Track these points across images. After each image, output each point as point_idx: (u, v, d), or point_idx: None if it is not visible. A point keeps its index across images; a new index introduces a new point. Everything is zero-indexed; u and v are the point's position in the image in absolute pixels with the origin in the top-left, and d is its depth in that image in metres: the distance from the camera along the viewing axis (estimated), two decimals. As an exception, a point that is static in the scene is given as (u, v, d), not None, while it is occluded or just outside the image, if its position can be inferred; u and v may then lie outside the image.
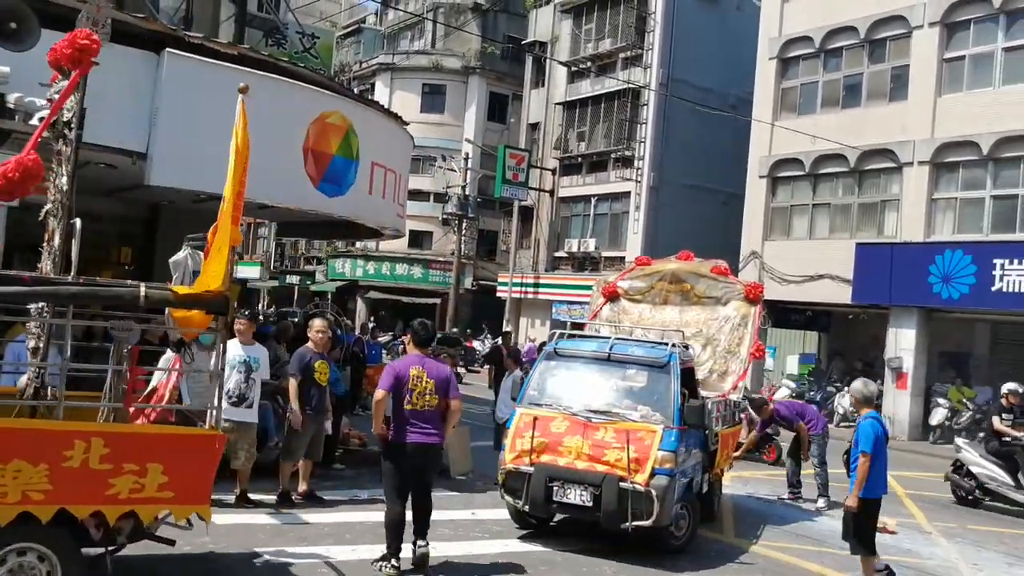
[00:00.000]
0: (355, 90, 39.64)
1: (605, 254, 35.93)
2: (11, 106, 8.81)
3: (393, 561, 8.10)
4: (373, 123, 13.11)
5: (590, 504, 9.41)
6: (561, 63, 38.21)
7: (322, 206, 12.08)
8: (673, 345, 10.55)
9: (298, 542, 8.94)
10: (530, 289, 39.04)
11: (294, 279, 54.32)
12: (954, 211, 24.43)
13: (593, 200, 37.24)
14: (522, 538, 10.15)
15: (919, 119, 24.77)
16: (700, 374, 11.87)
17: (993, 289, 22.31)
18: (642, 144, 34.75)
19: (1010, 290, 21.99)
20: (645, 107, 34.83)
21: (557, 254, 38.60)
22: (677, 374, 10.16)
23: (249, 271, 55.53)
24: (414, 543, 8.22)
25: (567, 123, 38.32)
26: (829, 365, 30.04)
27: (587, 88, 37.55)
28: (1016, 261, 21.98)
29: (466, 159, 41.71)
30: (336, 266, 48.27)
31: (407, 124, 15.23)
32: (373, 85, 46.41)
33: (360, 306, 45.88)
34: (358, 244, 44.35)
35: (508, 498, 10.03)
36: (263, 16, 16.56)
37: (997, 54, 23.65)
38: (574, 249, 37.23)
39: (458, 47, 45.85)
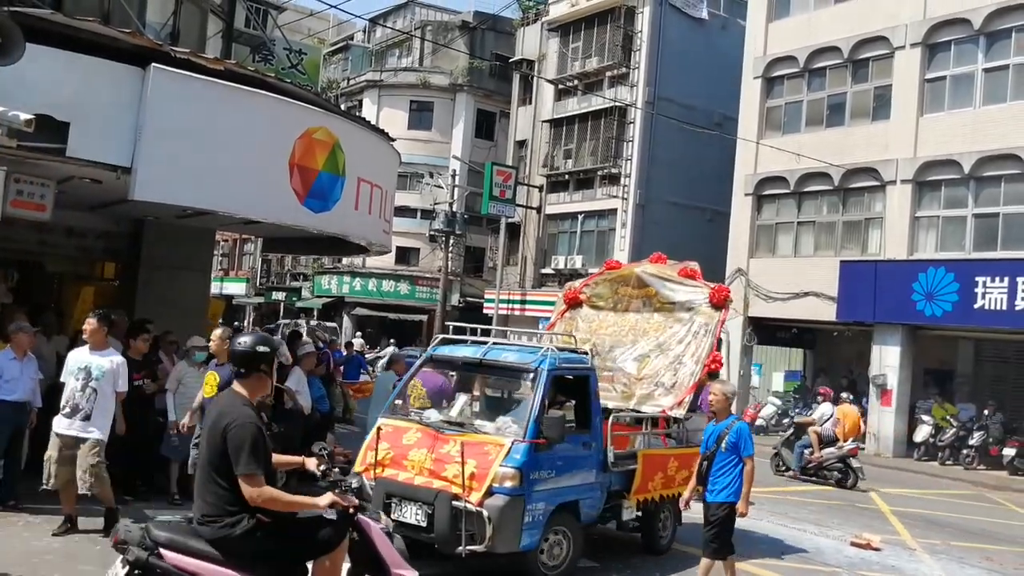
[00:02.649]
0: (343, 107, 39.71)
1: (592, 271, 35.85)
2: (-7, 119, 8.77)
3: None
4: (359, 139, 13.10)
5: (424, 524, 8.48)
6: (548, 81, 38.37)
7: (308, 222, 12.04)
8: (549, 349, 9.45)
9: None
10: (517, 306, 39.06)
11: (280, 295, 54.23)
12: (937, 229, 24.59)
13: (580, 217, 37.32)
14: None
15: (902, 138, 24.97)
16: (643, 388, 11.19)
17: (975, 307, 22.44)
18: (628, 162, 34.88)
19: (992, 308, 22.12)
20: (631, 125, 34.97)
21: (544, 271, 38.63)
22: (543, 382, 8.97)
23: (235, 287, 55.53)
24: None
25: (554, 140, 38.43)
26: (814, 382, 30.06)
27: (574, 106, 37.68)
28: (998, 279, 22.12)
29: (453, 176, 41.78)
30: (322, 282, 48.21)
31: (394, 140, 15.23)
32: (361, 102, 46.48)
33: (347, 323, 45.79)
34: (344, 260, 44.32)
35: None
36: (250, 32, 16.57)
37: (977, 74, 23.89)
38: (561, 266, 37.26)
39: (446, 64, 46.00)
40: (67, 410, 9.10)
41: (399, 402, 9.84)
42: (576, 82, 37.69)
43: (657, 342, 11.59)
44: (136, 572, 4.94)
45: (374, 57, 50.79)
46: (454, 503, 8.27)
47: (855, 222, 26.62)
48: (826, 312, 26.08)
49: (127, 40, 9.96)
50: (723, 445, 8.52)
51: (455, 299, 43.27)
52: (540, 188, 38.98)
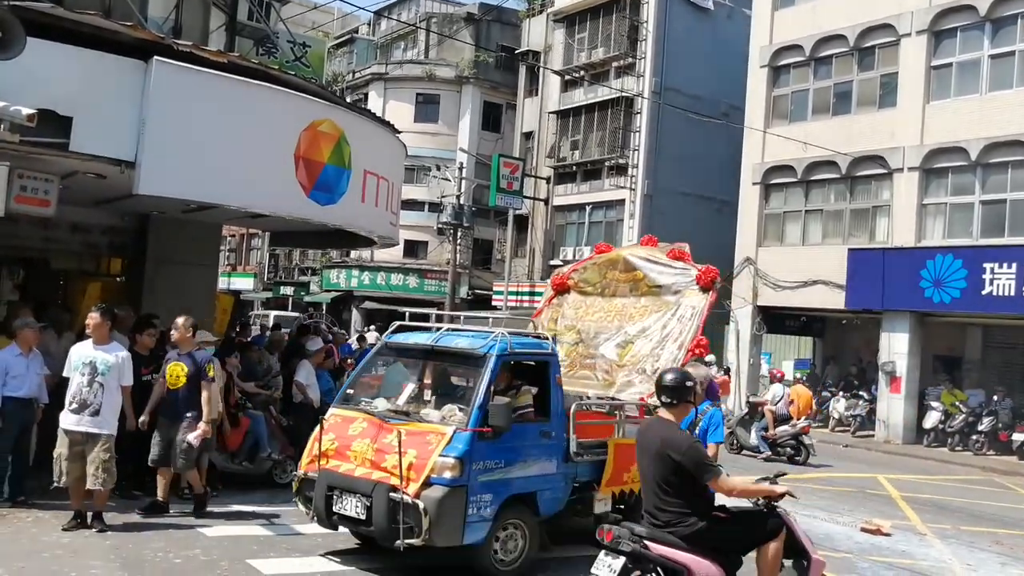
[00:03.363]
0: (348, 100, 39.69)
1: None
2: (-6, 115, 8.76)
3: None
4: (365, 131, 13.07)
5: (364, 517, 8.19)
6: (554, 72, 38.29)
7: (314, 215, 12.02)
8: (501, 334, 9.00)
9: (288, 553, 8.92)
10: (526, 298, 38.98)
11: (288, 290, 54.24)
12: (944, 216, 24.50)
13: (588, 208, 37.25)
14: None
15: (908, 126, 24.89)
16: (624, 375, 10.65)
17: (984, 293, 22.37)
18: (636, 152, 34.79)
19: (1000, 294, 22.05)
20: (638, 115, 34.87)
21: (552, 262, 38.51)
22: (490, 367, 8.57)
23: (243, 282, 55.62)
24: None
25: (561, 132, 38.37)
26: (824, 370, 30.09)
27: (580, 97, 37.62)
28: (1005, 265, 22.06)
29: (460, 168, 41.69)
30: (331, 276, 48.19)
31: (399, 132, 15.21)
32: (366, 95, 46.38)
33: (355, 316, 45.79)
34: (352, 254, 44.29)
35: (302, 507, 8.97)
36: (254, 25, 16.51)
37: (983, 61, 23.78)
38: (569, 257, 37.13)
39: (451, 57, 45.88)
40: (75, 406, 9.09)
41: (351, 391, 9.50)
42: (582, 73, 37.61)
43: (642, 327, 11.03)
44: (630, 564, 5.97)
45: (379, 50, 50.69)
46: (391, 495, 7.96)
47: (863, 210, 26.54)
48: (835, 300, 26.03)
49: (129, 34, 9.94)
50: (696, 431, 8.40)
51: (464, 292, 43.24)
52: (547, 179, 38.92)
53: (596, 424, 10.32)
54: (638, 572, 6.06)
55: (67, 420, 9.10)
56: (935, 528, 13.05)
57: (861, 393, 26.41)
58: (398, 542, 7.87)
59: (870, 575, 10.10)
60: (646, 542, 6.03)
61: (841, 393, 27.01)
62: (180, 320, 10.21)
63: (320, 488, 8.50)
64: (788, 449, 19.19)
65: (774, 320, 29.01)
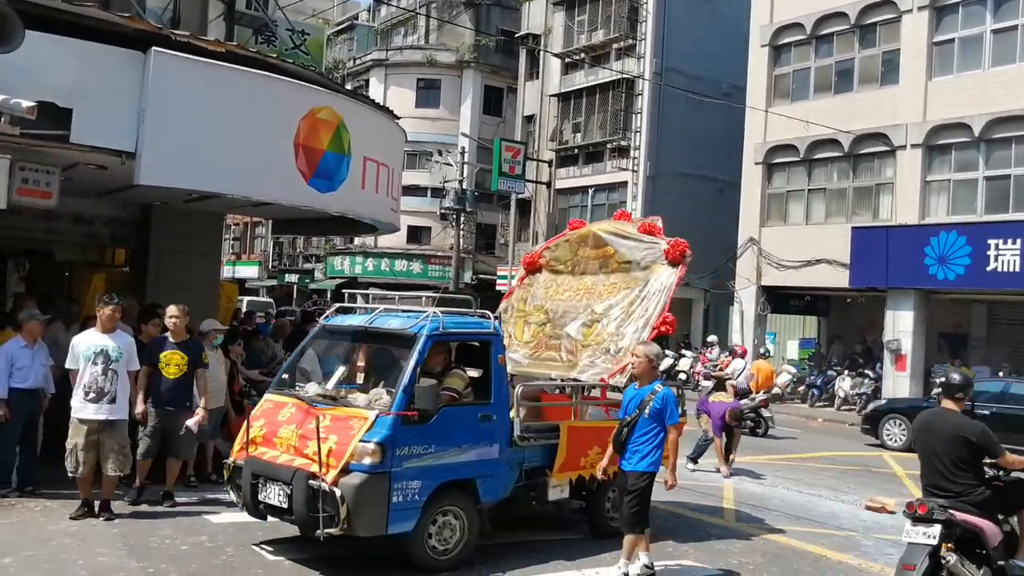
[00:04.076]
0: (349, 87, 39.61)
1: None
2: (-5, 108, 8.79)
3: None
4: (364, 118, 13.08)
5: (285, 505, 7.88)
6: (555, 55, 38.22)
7: (314, 202, 12.04)
8: (433, 313, 8.58)
9: (293, 538, 8.94)
10: (529, 281, 38.98)
11: (293, 278, 54.34)
12: (948, 193, 24.45)
13: (590, 191, 37.24)
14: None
15: (911, 102, 24.80)
16: (588, 355, 10.20)
17: (988, 269, 22.37)
18: (637, 134, 34.76)
19: (1005, 270, 22.05)
20: (639, 97, 34.83)
21: (555, 246, 38.56)
22: (418, 348, 8.15)
23: (247, 270, 55.72)
24: None
25: (562, 115, 38.33)
26: (829, 349, 30.14)
27: (581, 79, 37.55)
28: (1010, 241, 22.04)
29: (462, 153, 41.69)
30: (335, 263, 48.26)
31: (399, 118, 15.22)
32: (367, 81, 46.35)
33: (360, 303, 45.81)
34: (356, 241, 44.34)
35: (233, 496, 8.70)
36: (252, 14, 16.49)
37: (986, 36, 23.68)
38: (572, 240, 37.17)
39: (451, 41, 45.80)
40: (92, 395, 9.13)
41: (286, 376, 9.17)
42: (583, 55, 37.54)
43: (609, 304, 10.55)
44: (944, 530, 6.93)
45: (379, 36, 50.62)
46: (311, 482, 7.63)
47: (866, 188, 26.50)
48: (839, 279, 26.02)
49: (127, 25, 9.95)
50: (646, 412, 8.07)
51: (467, 277, 43.27)
52: (549, 163, 38.90)
53: (556, 407, 10.03)
54: (946, 536, 6.97)
55: (84, 410, 9.13)
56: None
57: (866, 371, 26.43)
58: (318, 532, 7.58)
59: (875, 552, 10.14)
60: (950, 511, 6.98)
61: (846, 372, 27.04)
62: (175, 308, 10.16)
63: (246, 476, 8.25)
64: (748, 422, 19.29)
65: (778, 300, 29.03)
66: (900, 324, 24.74)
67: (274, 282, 55.46)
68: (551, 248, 12.04)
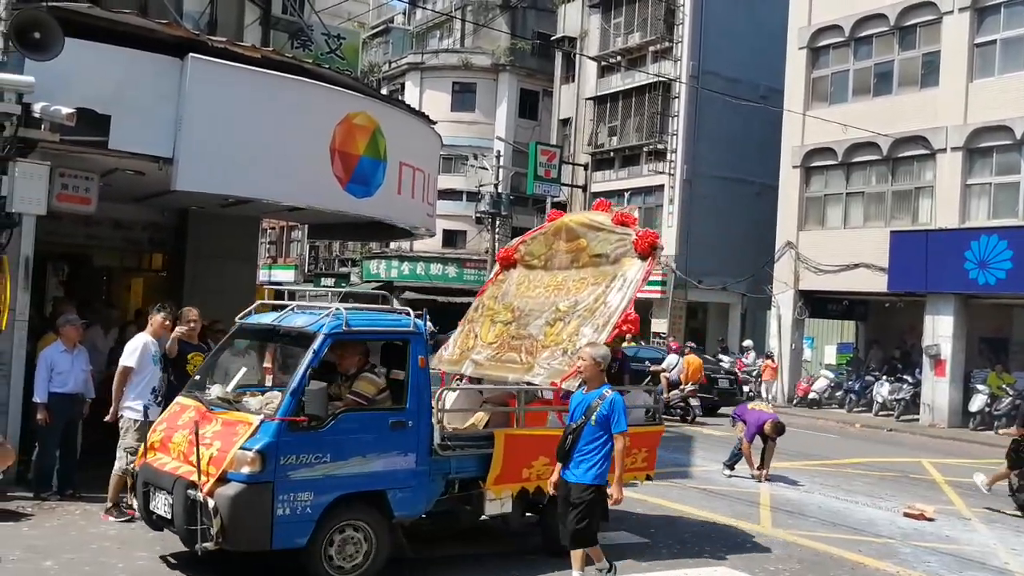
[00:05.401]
0: (385, 90, 39.76)
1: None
2: (37, 115, 8.91)
3: None
4: (400, 123, 13.13)
5: (170, 516, 7.40)
6: (591, 58, 38.12)
7: (351, 207, 12.11)
8: (337, 309, 7.94)
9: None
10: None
11: (329, 281, 54.56)
12: (989, 196, 24.15)
13: (626, 195, 37.07)
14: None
15: (951, 105, 24.50)
16: (546, 356, 9.45)
17: (1030, 273, 22.03)
18: (674, 137, 34.59)
19: (1048, 274, 21.71)
20: (676, 100, 34.66)
21: (591, 250, 38.46)
22: (315, 348, 7.56)
23: (283, 274, 56.01)
24: None
25: (598, 118, 38.25)
26: (867, 354, 29.82)
27: (617, 82, 37.45)
28: (1053, 245, 21.69)
29: (498, 157, 41.66)
30: (371, 267, 48.40)
31: (435, 123, 15.25)
32: (403, 85, 46.47)
33: (396, 307, 45.94)
34: (392, 245, 44.43)
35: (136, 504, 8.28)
36: (288, 19, 16.58)
37: (1029, 37, 23.37)
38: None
39: (487, 45, 45.80)
40: (160, 399, 9.34)
41: (198, 378, 8.68)
42: (619, 58, 37.43)
43: (574, 301, 9.81)
44: None
45: (415, 39, 50.74)
46: (189, 492, 7.17)
47: (905, 192, 26.22)
48: (877, 283, 25.75)
49: (164, 31, 10.05)
50: (592, 418, 7.43)
51: (503, 280, 43.18)
52: (585, 166, 38.81)
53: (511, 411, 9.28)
54: None
55: (155, 412, 9.16)
56: (980, 513, 12.90)
57: (905, 377, 26.13)
58: (197, 546, 7.09)
59: (913, 560, 9.99)
60: None
61: (885, 377, 26.74)
62: (196, 312, 10.17)
63: (140, 484, 7.89)
64: (678, 411, 21.96)
65: (816, 304, 28.80)
66: (940, 329, 24.44)
67: (310, 286, 55.72)
68: (527, 242, 11.31)
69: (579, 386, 8.05)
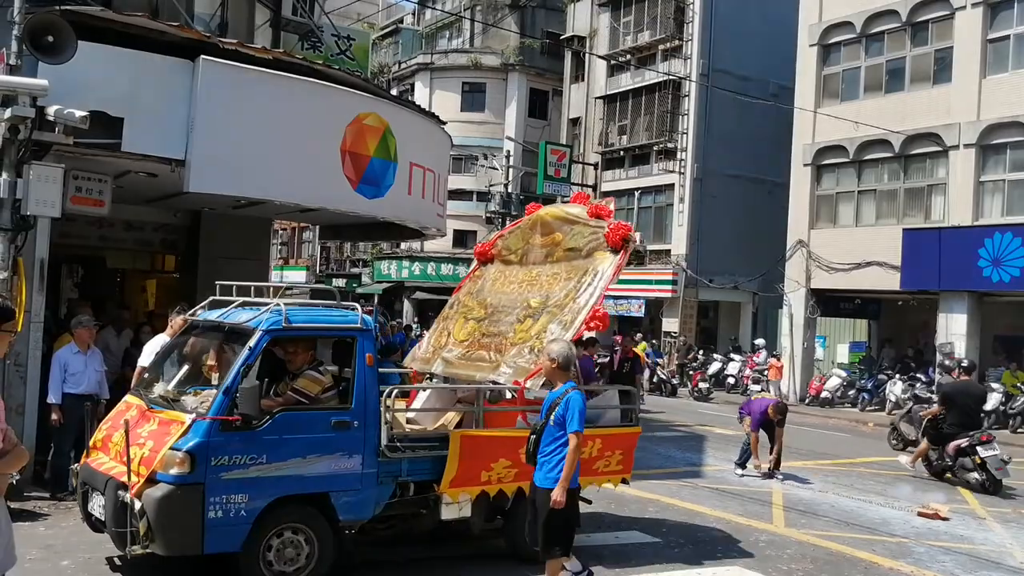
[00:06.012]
0: (395, 91, 39.82)
1: (650, 247, 35.77)
2: (51, 118, 8.95)
3: None
4: (410, 123, 13.16)
5: (104, 518, 7.20)
6: (600, 57, 38.11)
7: (361, 208, 12.14)
8: (278, 304, 7.68)
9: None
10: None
11: (340, 282, 54.59)
12: (1002, 193, 24.04)
13: (636, 194, 37.09)
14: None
15: (964, 101, 24.40)
16: (512, 355, 9.05)
17: (1046, 270, 21.95)
18: (684, 135, 34.55)
19: (1063, 271, 21.63)
20: (686, 98, 34.63)
21: (601, 249, 38.41)
22: (251, 345, 7.33)
23: (295, 275, 56.09)
24: None
25: (608, 117, 38.23)
26: (880, 353, 29.72)
27: (627, 81, 37.42)
28: (1068, 242, 21.60)
29: (508, 157, 41.70)
30: (382, 268, 48.46)
31: (444, 123, 15.27)
32: (413, 85, 46.52)
33: (406, 307, 46.03)
34: (403, 245, 44.49)
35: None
36: (298, 20, 16.61)
37: (1043, 32, 23.28)
38: (618, 244, 37.00)
39: (496, 44, 45.82)
40: None
41: (147, 375, 8.63)
42: (628, 57, 37.40)
43: (545, 297, 9.45)
44: None
45: (424, 40, 50.78)
46: (119, 493, 6.96)
47: (917, 189, 26.12)
48: (890, 281, 25.65)
49: (176, 33, 10.10)
50: (551, 418, 7.05)
51: (514, 280, 43.19)
52: (595, 166, 38.81)
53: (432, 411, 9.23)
54: None
55: None
56: (995, 512, 12.83)
57: (918, 375, 26.02)
58: (127, 549, 6.86)
59: (927, 560, 9.94)
60: None
61: (898, 376, 26.63)
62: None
63: (79, 485, 7.72)
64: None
65: (828, 303, 28.71)
66: (953, 327, 24.34)
67: (322, 286, 55.78)
68: (504, 236, 10.99)
69: (542, 385, 7.83)
